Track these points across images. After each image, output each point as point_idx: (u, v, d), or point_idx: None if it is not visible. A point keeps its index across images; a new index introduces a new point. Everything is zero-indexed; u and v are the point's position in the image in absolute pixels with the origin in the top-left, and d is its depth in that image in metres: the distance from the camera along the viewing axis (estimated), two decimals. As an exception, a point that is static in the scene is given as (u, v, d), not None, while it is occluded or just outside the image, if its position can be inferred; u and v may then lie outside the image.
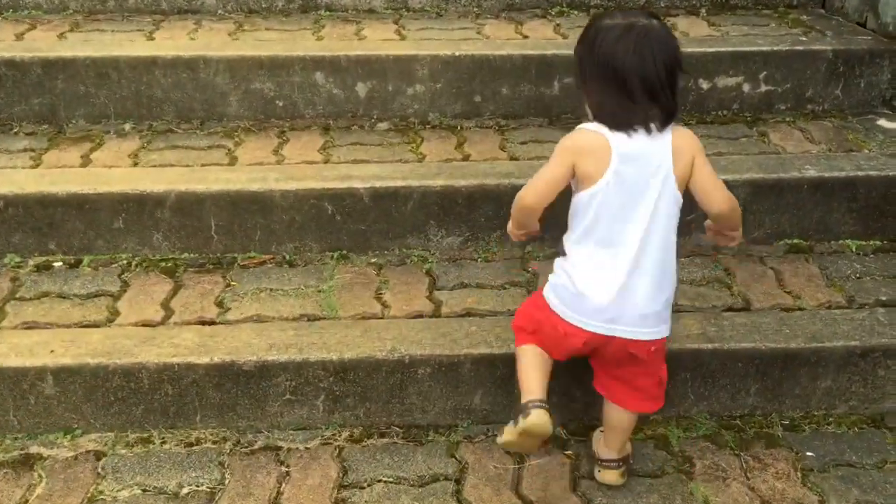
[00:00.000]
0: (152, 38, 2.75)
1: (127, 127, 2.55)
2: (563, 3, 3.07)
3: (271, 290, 2.10)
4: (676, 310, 2.02)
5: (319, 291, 2.10)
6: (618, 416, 1.71)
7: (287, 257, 2.24)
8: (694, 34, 2.86)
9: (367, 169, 2.30)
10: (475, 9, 3.04)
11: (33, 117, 2.54)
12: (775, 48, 2.67)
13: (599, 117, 1.56)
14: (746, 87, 2.71)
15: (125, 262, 2.18)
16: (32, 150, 2.40)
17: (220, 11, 2.97)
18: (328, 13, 3.00)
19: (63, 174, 2.23)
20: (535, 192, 1.63)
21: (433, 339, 1.91)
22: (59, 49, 2.54)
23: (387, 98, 2.64)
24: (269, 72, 2.57)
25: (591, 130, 1.56)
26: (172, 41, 2.70)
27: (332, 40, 2.76)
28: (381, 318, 2.01)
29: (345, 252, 2.26)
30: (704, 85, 2.69)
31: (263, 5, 2.98)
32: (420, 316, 2.02)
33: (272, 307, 2.03)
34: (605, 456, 1.73)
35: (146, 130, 2.54)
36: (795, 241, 2.31)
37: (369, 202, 2.22)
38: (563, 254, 1.66)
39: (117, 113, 2.56)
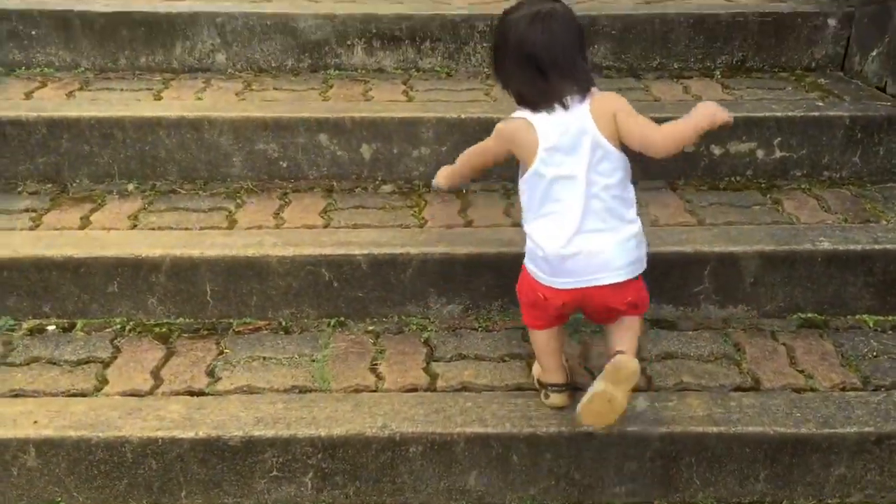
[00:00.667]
0: (160, 98, 2.77)
1: (130, 187, 2.56)
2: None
3: (264, 358, 2.07)
4: (682, 388, 1.97)
5: (313, 361, 2.06)
6: (617, 332, 1.80)
7: (283, 324, 2.21)
8: (707, 97, 2.83)
9: (366, 235, 2.28)
10: (485, 69, 3.04)
11: (38, 176, 2.55)
12: (790, 114, 2.62)
13: (522, 103, 1.73)
14: (760, 153, 2.66)
15: (119, 326, 2.17)
16: (34, 211, 2.41)
17: (230, 70, 2.99)
18: (337, 72, 3.01)
19: (60, 237, 2.23)
20: (474, 151, 1.93)
21: (426, 416, 1.86)
22: (65, 109, 2.56)
23: (392, 160, 2.63)
24: (274, 133, 2.57)
25: (518, 118, 1.73)
26: (179, 101, 2.72)
27: (338, 101, 2.76)
28: (375, 391, 1.96)
29: (342, 319, 2.23)
30: (716, 150, 2.65)
31: (273, 64, 3.00)
32: (414, 389, 1.97)
33: (264, 377, 1.99)
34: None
35: (149, 191, 2.55)
36: (809, 315, 2.24)
37: (367, 269, 2.19)
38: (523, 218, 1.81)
39: (121, 172, 2.57)
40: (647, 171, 2.65)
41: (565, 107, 1.69)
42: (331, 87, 2.89)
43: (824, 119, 2.63)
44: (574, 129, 1.69)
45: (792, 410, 1.89)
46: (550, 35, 1.66)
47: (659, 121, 1.76)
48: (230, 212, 2.45)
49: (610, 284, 1.71)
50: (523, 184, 1.77)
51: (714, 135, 2.61)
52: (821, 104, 2.72)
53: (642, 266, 1.78)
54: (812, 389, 1.98)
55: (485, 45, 3.01)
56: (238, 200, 2.51)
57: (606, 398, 1.67)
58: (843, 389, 1.97)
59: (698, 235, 2.29)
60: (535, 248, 1.76)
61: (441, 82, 2.96)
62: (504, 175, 2.65)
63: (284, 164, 2.62)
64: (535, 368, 1.95)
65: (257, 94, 2.80)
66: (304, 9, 2.99)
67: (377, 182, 2.65)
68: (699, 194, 2.59)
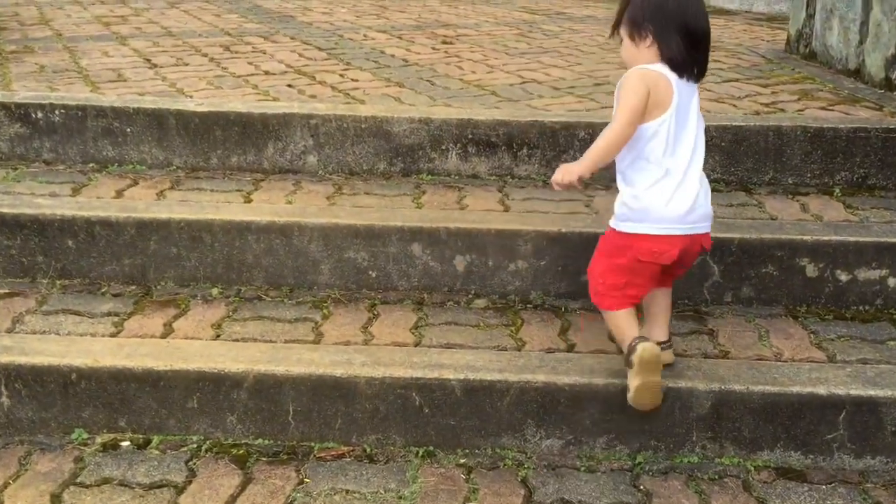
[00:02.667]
0: (249, 200, 2.75)
1: (214, 291, 2.50)
2: (679, 176, 2.93)
3: (347, 491, 1.93)
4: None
5: (400, 498, 1.91)
6: (665, 300, 2.16)
7: (368, 450, 2.08)
8: (829, 218, 2.67)
9: (460, 357, 2.15)
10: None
11: (122, 277, 2.53)
12: (926, 239, 2.44)
13: (668, 62, 1.96)
14: (892, 282, 2.47)
15: (195, 445, 2.07)
16: (116, 315, 2.37)
17: (320, 172, 2.98)
18: (430, 177, 2.96)
19: (141, 346, 2.17)
20: (625, 121, 1.93)
21: (527, 575, 1.68)
22: (155, 210, 2.55)
23: (486, 273, 2.53)
24: (365, 241, 2.50)
25: (656, 70, 1.97)
26: (269, 204, 2.69)
27: (431, 209, 2.69)
28: (468, 540, 1.80)
29: (431, 448, 2.09)
30: (843, 276, 2.47)
31: (364, 167, 2.97)
32: (512, 541, 1.80)
33: (346, 515, 1.85)
34: (660, 339, 2.11)
35: (233, 297, 2.49)
36: (963, 474, 2.00)
37: (461, 395, 2.06)
38: (627, 183, 2.05)
39: (206, 276, 2.53)
40: (761, 295, 2.49)
41: (693, 79, 2.00)
42: (423, 192, 2.84)
43: (965, 246, 2.43)
44: (692, 101, 2.02)
45: None
46: (700, 17, 1.99)
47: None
48: (316, 323, 2.36)
49: (706, 233, 2.07)
50: (643, 130, 1.96)
51: (840, 259, 2.45)
52: (958, 229, 2.53)
53: None
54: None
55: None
56: (325, 311, 2.43)
57: (648, 387, 1.96)
58: None
59: (831, 375, 2.09)
60: (650, 206, 1.98)
61: (538, 191, 2.87)
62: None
63: (374, 274, 2.54)
64: (621, 339, 2.09)
65: (348, 199, 2.76)
66: (400, 112, 2.97)
67: (470, 296, 2.54)
68: (824, 325, 2.40)
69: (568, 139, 2.92)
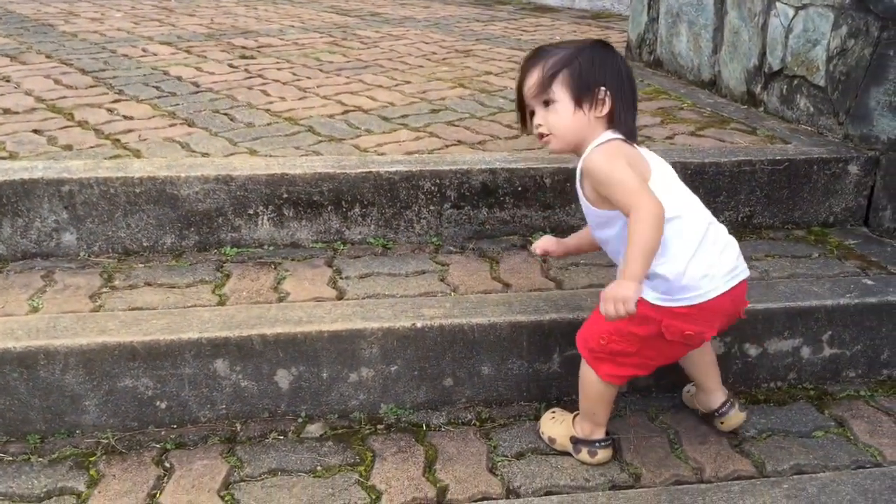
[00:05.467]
0: (-26, 308, 1.98)
1: (-79, 458, 1.75)
2: (546, 228, 2.47)
3: None
4: None
5: None
6: (710, 355, 1.92)
7: None
8: (724, 275, 2.28)
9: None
10: (433, 238, 2.41)
11: None
12: (842, 301, 2.10)
13: (622, 131, 1.71)
14: (806, 352, 2.12)
15: None
16: None
17: (82, 254, 2.25)
18: (236, 251, 2.31)
19: None
20: (647, 196, 1.59)
21: None
22: None
23: (319, 389, 1.94)
24: (147, 363, 1.84)
25: (619, 139, 1.70)
26: (2, 316, 1.94)
27: (240, 302, 2.06)
28: None
29: None
30: (752, 350, 2.10)
31: (145, 244, 2.27)
32: None
33: None
34: (719, 401, 1.91)
35: (-50, 463, 1.74)
36: None
37: None
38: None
39: None
40: (660, 381, 2.07)
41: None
42: (227, 276, 2.19)
43: (885, 306, 2.12)
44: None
45: None
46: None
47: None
48: (78, 496, 1.67)
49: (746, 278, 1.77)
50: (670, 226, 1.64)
51: (749, 332, 2.08)
52: (869, 282, 2.22)
53: None
54: None
55: (431, 207, 2.39)
56: (91, 472, 1.74)
57: None
58: None
59: (768, 499, 1.68)
60: (696, 270, 1.67)
61: (377, 260, 2.30)
62: (476, 398, 2.01)
63: (163, 405, 1.88)
64: (578, 427, 1.85)
65: (121, 296, 2.06)
66: (189, 168, 2.29)
67: (300, 420, 1.94)
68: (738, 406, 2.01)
69: (411, 192, 2.36)
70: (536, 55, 1.73)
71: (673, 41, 3.78)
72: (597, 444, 1.82)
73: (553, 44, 1.77)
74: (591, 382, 1.78)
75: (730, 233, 1.79)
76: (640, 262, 1.56)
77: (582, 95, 1.68)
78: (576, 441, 1.84)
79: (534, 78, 1.70)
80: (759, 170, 2.53)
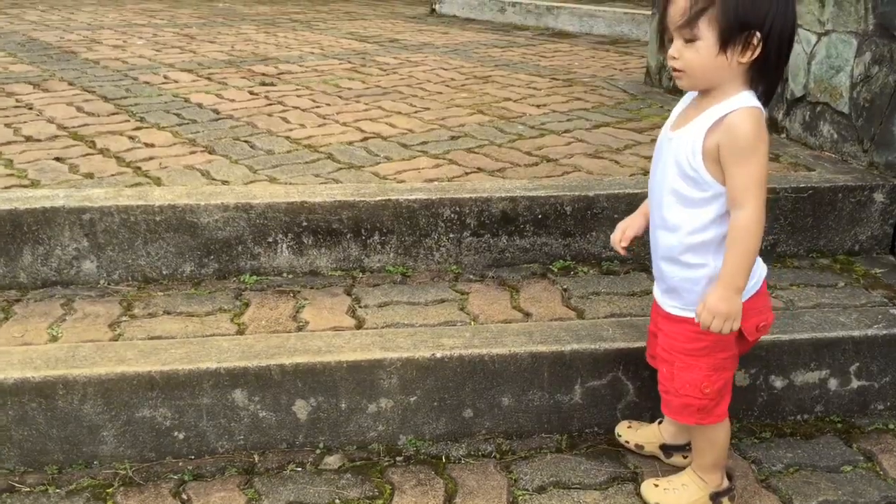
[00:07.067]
0: (-6, 336, 1.99)
1: (-61, 488, 1.75)
2: (566, 256, 2.45)
3: None
4: None
5: None
6: None
7: None
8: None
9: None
10: (452, 266, 2.40)
11: None
12: (868, 332, 2.07)
13: (762, 89, 1.53)
14: (833, 384, 2.08)
15: None
16: None
17: (101, 282, 2.26)
18: (255, 279, 2.31)
19: None
20: (762, 202, 1.51)
21: None
22: None
23: (338, 420, 1.92)
24: (165, 393, 1.84)
25: (760, 109, 1.50)
26: (22, 345, 1.95)
27: (258, 331, 2.05)
28: None
29: None
30: (777, 383, 2.06)
31: (164, 272, 2.28)
32: None
33: None
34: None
35: (-32, 494, 1.74)
36: None
37: None
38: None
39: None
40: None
41: None
42: (247, 304, 2.19)
43: (913, 338, 2.08)
44: None
45: None
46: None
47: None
48: (96, 529, 1.67)
49: None
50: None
51: (774, 363, 2.05)
52: (897, 312, 2.19)
53: None
54: None
55: (451, 235, 2.38)
56: (109, 503, 1.74)
57: None
58: None
59: (802, 543, 1.65)
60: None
61: (396, 289, 2.29)
62: (496, 430, 1.99)
63: (181, 436, 1.87)
64: (708, 479, 1.76)
65: (141, 325, 2.06)
66: (209, 197, 2.30)
67: (318, 451, 1.93)
68: (764, 447, 1.98)
69: (430, 220, 2.36)
70: None
71: (693, 67, 3.77)
72: (732, 490, 1.79)
73: None
74: (716, 434, 1.73)
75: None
76: (746, 270, 1.52)
77: (731, 38, 1.45)
78: (716, 496, 1.77)
79: (679, 6, 1.47)
80: (783, 197, 2.51)
